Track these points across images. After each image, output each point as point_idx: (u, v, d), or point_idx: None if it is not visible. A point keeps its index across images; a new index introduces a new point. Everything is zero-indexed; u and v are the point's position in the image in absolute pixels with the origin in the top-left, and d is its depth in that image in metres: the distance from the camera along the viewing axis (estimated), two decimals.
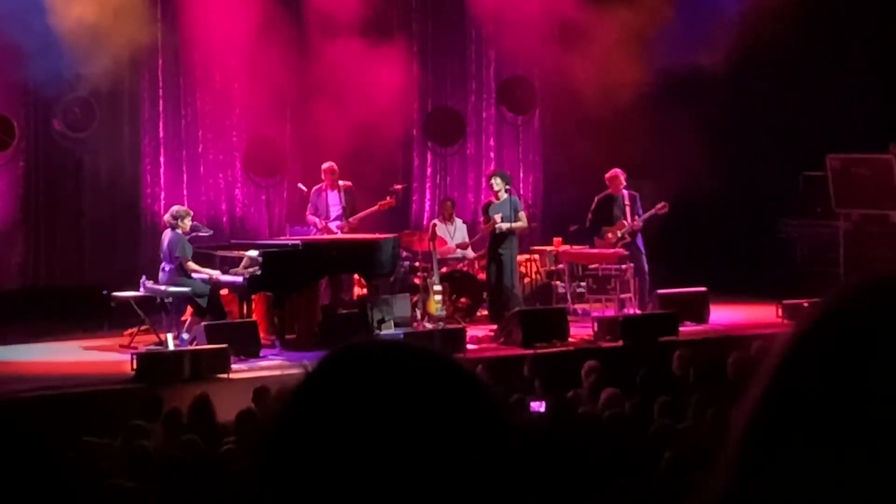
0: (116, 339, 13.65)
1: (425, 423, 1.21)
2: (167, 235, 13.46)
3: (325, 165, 14.96)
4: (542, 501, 6.06)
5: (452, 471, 1.20)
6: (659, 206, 15.09)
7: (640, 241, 15.19)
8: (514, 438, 1.26)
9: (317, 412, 1.23)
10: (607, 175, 15.27)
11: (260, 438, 1.28)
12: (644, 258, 15.13)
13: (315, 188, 15.01)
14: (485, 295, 15.51)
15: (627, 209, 15.12)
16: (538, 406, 9.27)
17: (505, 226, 14.62)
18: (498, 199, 14.82)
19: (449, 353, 1.32)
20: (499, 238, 14.61)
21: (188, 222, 13.47)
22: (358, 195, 15.21)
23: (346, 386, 1.24)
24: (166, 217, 13.67)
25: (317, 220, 14.88)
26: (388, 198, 15.29)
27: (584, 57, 16.77)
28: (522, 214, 14.70)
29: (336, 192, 14.91)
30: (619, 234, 15.09)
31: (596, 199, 15.32)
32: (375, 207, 15.10)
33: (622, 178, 15.20)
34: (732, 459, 1.01)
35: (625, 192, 15.20)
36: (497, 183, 14.98)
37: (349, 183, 15.04)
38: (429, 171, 18.15)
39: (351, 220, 14.87)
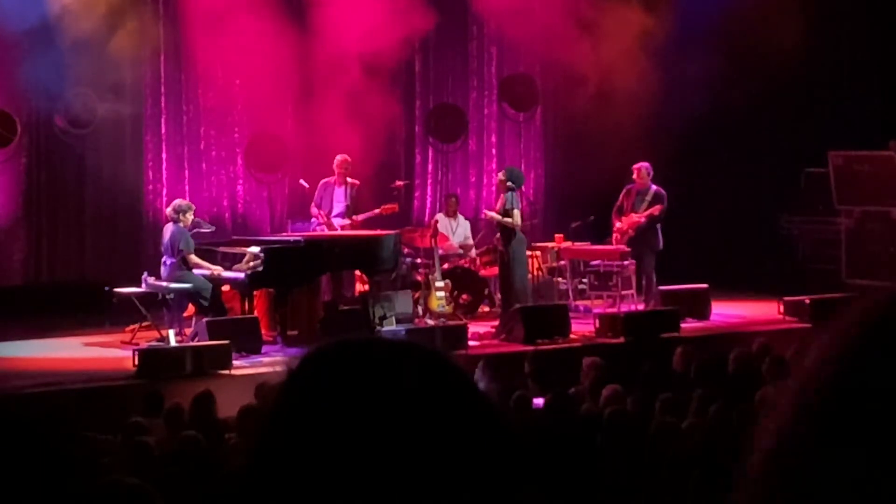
0: (118, 336, 13.65)
1: (410, 417, 1.21)
2: (168, 229, 13.45)
3: (338, 158, 14.90)
4: (543, 499, 6.06)
5: (440, 465, 1.20)
6: (654, 209, 14.94)
7: (656, 238, 14.93)
8: (506, 433, 1.25)
9: (305, 409, 1.23)
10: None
11: (253, 435, 1.28)
12: (650, 257, 14.90)
13: (323, 181, 14.97)
14: (486, 291, 15.52)
15: (645, 205, 14.95)
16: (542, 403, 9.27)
17: (491, 215, 14.56)
18: (503, 194, 14.73)
19: (438, 349, 1.31)
20: (503, 234, 14.54)
21: (190, 216, 13.47)
22: (362, 194, 15.18)
23: (330, 382, 1.24)
24: (168, 210, 13.67)
25: (319, 212, 14.86)
26: (391, 203, 15.23)
27: (586, 53, 16.76)
28: (515, 212, 14.42)
29: (343, 188, 14.88)
30: (623, 227, 15.00)
31: (625, 188, 15.20)
32: (378, 211, 15.05)
33: (640, 170, 15.02)
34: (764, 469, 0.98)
35: (652, 186, 15.04)
36: (500, 175, 14.93)
37: (356, 181, 15.01)
38: (430, 167, 18.15)
39: (354, 218, 14.85)
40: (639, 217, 14.90)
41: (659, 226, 14.94)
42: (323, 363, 1.27)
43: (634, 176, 15.05)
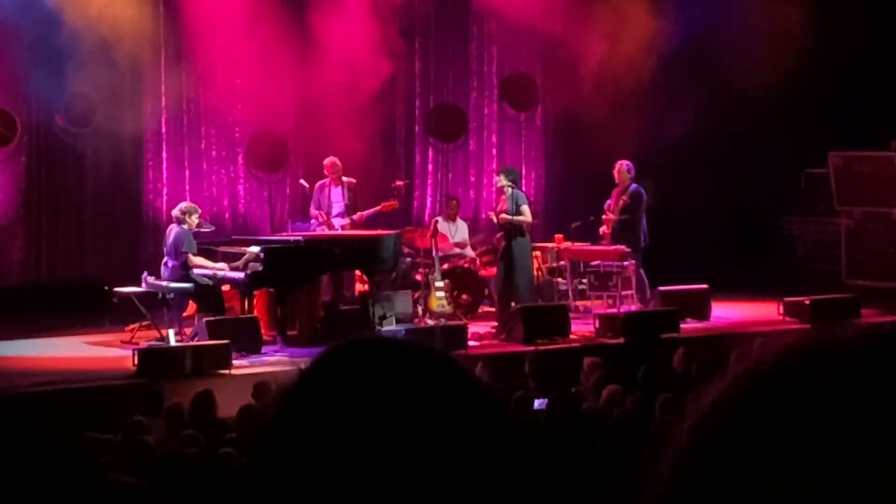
0: (118, 335, 13.65)
1: (419, 419, 1.21)
2: (173, 230, 13.45)
3: (327, 161, 14.95)
4: (544, 498, 6.06)
5: (447, 467, 1.20)
6: (622, 204, 14.99)
7: (636, 237, 14.93)
8: (510, 433, 1.25)
9: (312, 409, 1.23)
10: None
11: (257, 435, 1.28)
12: (634, 257, 14.90)
13: (318, 184, 15.00)
14: (486, 291, 15.52)
15: (623, 203, 14.98)
16: (542, 404, 9.27)
17: (504, 217, 14.44)
18: (505, 194, 14.71)
19: (446, 351, 1.32)
20: (506, 234, 14.51)
21: (195, 219, 13.48)
22: (360, 191, 15.21)
23: (341, 382, 1.24)
24: (174, 212, 13.68)
25: (318, 213, 14.88)
26: (391, 199, 15.25)
27: (585, 53, 16.77)
28: (525, 209, 14.42)
29: (339, 188, 14.89)
30: (604, 228, 15.10)
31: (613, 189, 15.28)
32: (378, 208, 15.07)
33: (619, 168, 15.06)
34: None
35: (632, 185, 15.05)
36: (500, 179, 14.88)
37: (353, 180, 15.03)
38: (430, 167, 18.14)
39: (354, 217, 14.86)
40: (609, 216, 14.94)
41: (643, 224, 14.92)
42: (338, 363, 1.27)
43: (614, 173, 15.10)
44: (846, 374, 0.94)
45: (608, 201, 15.12)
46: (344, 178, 14.92)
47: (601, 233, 15.15)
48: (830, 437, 0.91)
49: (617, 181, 15.08)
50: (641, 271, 14.96)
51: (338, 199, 14.92)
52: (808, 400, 0.94)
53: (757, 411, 0.96)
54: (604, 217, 15.05)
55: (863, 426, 0.91)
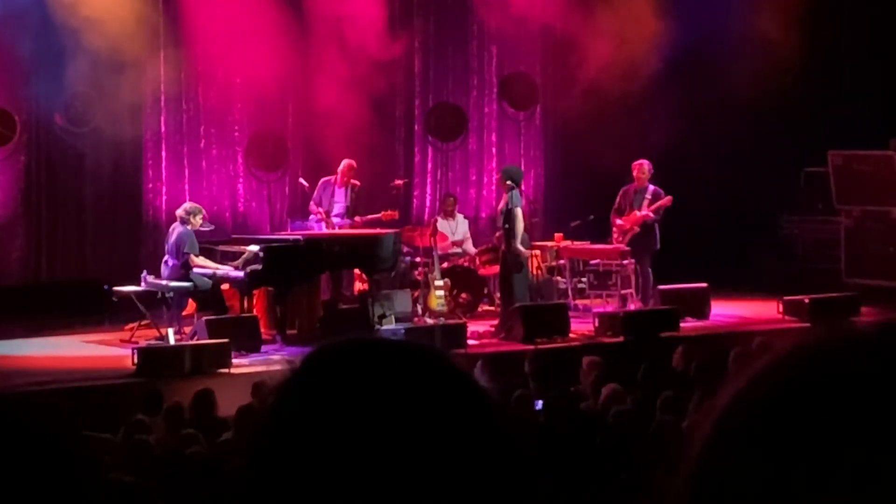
0: (117, 334, 13.66)
1: (413, 418, 1.21)
2: (176, 230, 13.45)
3: (345, 162, 14.88)
4: (544, 498, 6.06)
5: (441, 467, 1.20)
6: (664, 200, 14.95)
7: (654, 237, 14.93)
8: (509, 436, 1.25)
9: (303, 408, 1.23)
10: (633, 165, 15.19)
11: (251, 434, 1.28)
12: (648, 257, 14.91)
13: (323, 180, 14.98)
14: (486, 290, 15.52)
15: (646, 203, 14.95)
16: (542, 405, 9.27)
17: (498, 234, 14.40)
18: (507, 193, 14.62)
19: (440, 350, 1.31)
20: (505, 233, 14.47)
21: (199, 219, 13.49)
22: (362, 195, 15.16)
23: (333, 381, 1.24)
24: (178, 212, 13.68)
25: (318, 210, 14.86)
26: (393, 209, 15.19)
27: (586, 53, 16.77)
28: (517, 211, 14.09)
29: (344, 189, 14.88)
30: (625, 225, 14.98)
31: (622, 189, 15.25)
32: (378, 216, 15.03)
33: (640, 167, 15.04)
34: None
35: (650, 185, 15.05)
36: (502, 178, 14.81)
37: (357, 182, 15.01)
38: (430, 166, 18.14)
39: (356, 219, 14.85)
40: (645, 213, 14.87)
41: (657, 226, 14.95)
42: (326, 362, 1.27)
43: (635, 173, 15.08)
44: (867, 374, 0.93)
45: (622, 201, 15.04)
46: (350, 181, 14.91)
47: (618, 229, 15.03)
48: (851, 439, 0.90)
49: (636, 179, 15.06)
50: (649, 270, 14.96)
51: (340, 199, 14.91)
52: (825, 401, 0.93)
53: (778, 412, 0.96)
54: (636, 214, 14.94)
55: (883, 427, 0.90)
